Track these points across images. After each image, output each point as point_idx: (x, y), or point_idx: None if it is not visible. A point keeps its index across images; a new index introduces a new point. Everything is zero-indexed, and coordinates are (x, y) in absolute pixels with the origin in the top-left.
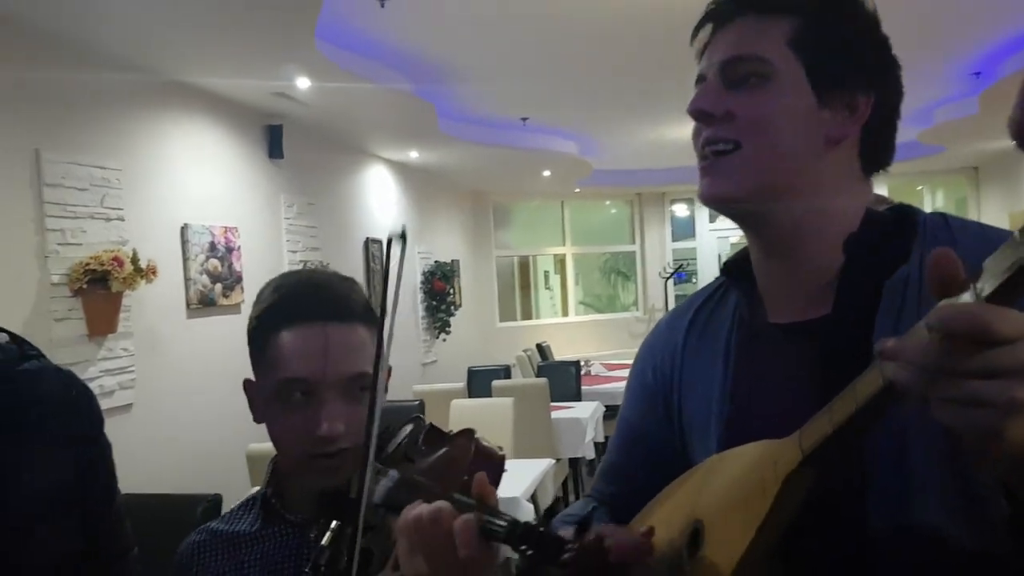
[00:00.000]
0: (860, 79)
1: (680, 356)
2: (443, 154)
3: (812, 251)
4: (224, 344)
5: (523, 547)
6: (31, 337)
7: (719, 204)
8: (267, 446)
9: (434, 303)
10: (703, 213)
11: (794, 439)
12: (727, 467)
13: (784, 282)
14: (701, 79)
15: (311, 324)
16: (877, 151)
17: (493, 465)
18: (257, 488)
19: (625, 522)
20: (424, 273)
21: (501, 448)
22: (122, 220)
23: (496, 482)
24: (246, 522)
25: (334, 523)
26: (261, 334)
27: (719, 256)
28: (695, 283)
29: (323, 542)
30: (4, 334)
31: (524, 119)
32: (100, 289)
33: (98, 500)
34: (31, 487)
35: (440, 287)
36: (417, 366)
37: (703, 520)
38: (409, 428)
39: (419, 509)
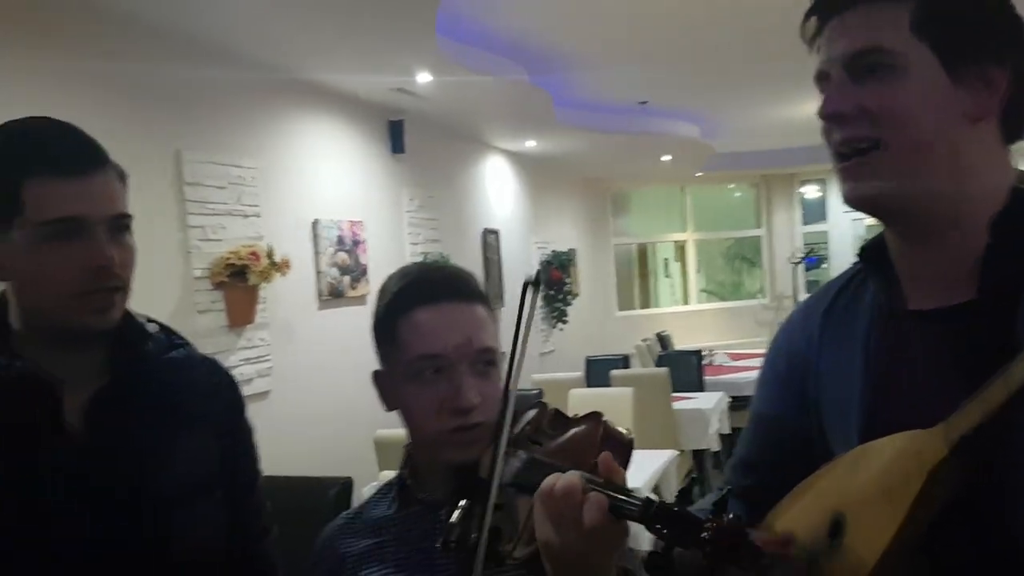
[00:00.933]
0: (991, 51)
1: (817, 344)
2: (560, 142)
3: (955, 235)
4: (352, 334)
5: (658, 525)
6: (177, 328)
7: (868, 207)
8: (394, 432)
9: (551, 292)
10: (835, 195)
11: (939, 430)
12: (870, 458)
13: (925, 267)
14: (823, 76)
15: (439, 303)
16: (1020, 124)
17: (621, 448)
18: (387, 472)
19: (760, 515)
20: (541, 263)
21: (629, 431)
22: (258, 216)
23: (625, 465)
24: (383, 506)
25: (463, 501)
26: (390, 320)
27: (853, 240)
28: (827, 268)
29: (452, 519)
30: (154, 324)
31: (643, 103)
32: (239, 282)
33: (241, 482)
34: (181, 469)
35: (557, 276)
36: (534, 355)
37: (845, 512)
38: (533, 413)
39: (552, 480)
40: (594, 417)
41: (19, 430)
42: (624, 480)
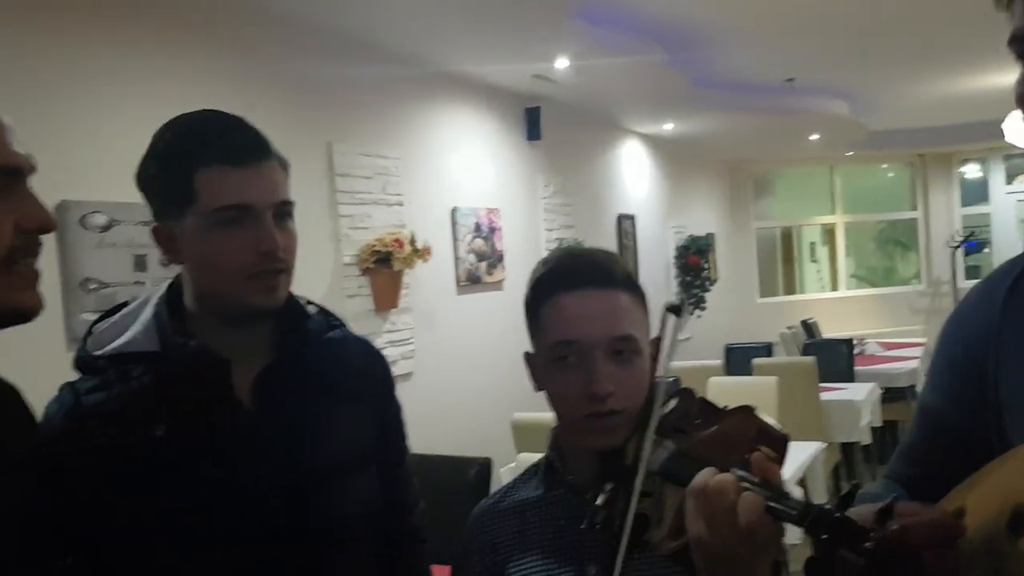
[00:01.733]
0: None
1: (997, 328)
2: (698, 123)
3: None
4: (488, 319)
5: (817, 531)
6: None
7: None
8: (532, 416)
9: (688, 278)
10: (998, 174)
11: None
12: None
13: None
14: (1018, 39)
15: (576, 290)
16: None
17: (776, 444)
18: (525, 454)
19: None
20: (678, 248)
21: (782, 427)
22: (401, 205)
23: (780, 462)
24: (530, 487)
25: (609, 485)
26: (535, 304)
27: (1017, 222)
28: (989, 253)
29: (598, 502)
30: (313, 306)
31: (789, 80)
32: (384, 268)
33: (392, 456)
34: (339, 443)
35: (694, 262)
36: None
37: None
38: (676, 401)
39: (705, 477)
40: (746, 410)
41: (193, 404)
42: (779, 479)
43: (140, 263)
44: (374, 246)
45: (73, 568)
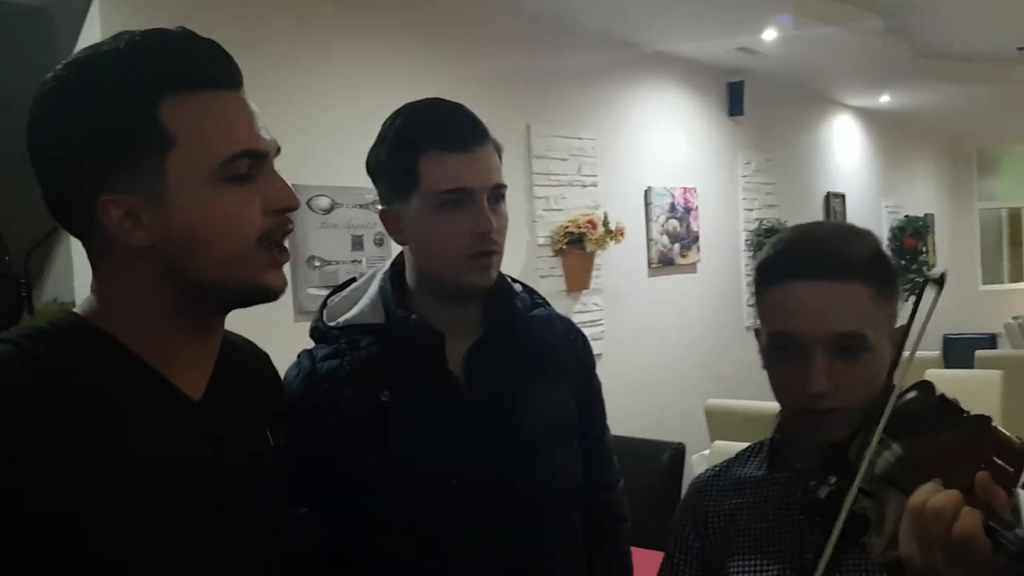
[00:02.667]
0: None
1: None
2: (918, 96)
3: None
4: (681, 302)
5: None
6: None
7: None
8: (726, 402)
9: (903, 262)
10: None
11: None
12: None
13: None
14: None
15: (801, 281)
16: None
17: (1013, 459)
18: (720, 442)
19: None
20: (892, 229)
21: (1022, 440)
22: (595, 186)
23: (1016, 479)
24: (753, 466)
25: (833, 478)
26: (760, 286)
27: None
28: None
29: (819, 494)
30: (519, 284)
31: (1021, 49)
32: (576, 250)
33: (593, 433)
34: (545, 417)
35: (911, 244)
36: None
37: None
38: (914, 394)
39: (926, 495)
40: (984, 420)
41: (412, 373)
42: (1005, 504)
43: (357, 243)
44: (567, 227)
45: (302, 519)
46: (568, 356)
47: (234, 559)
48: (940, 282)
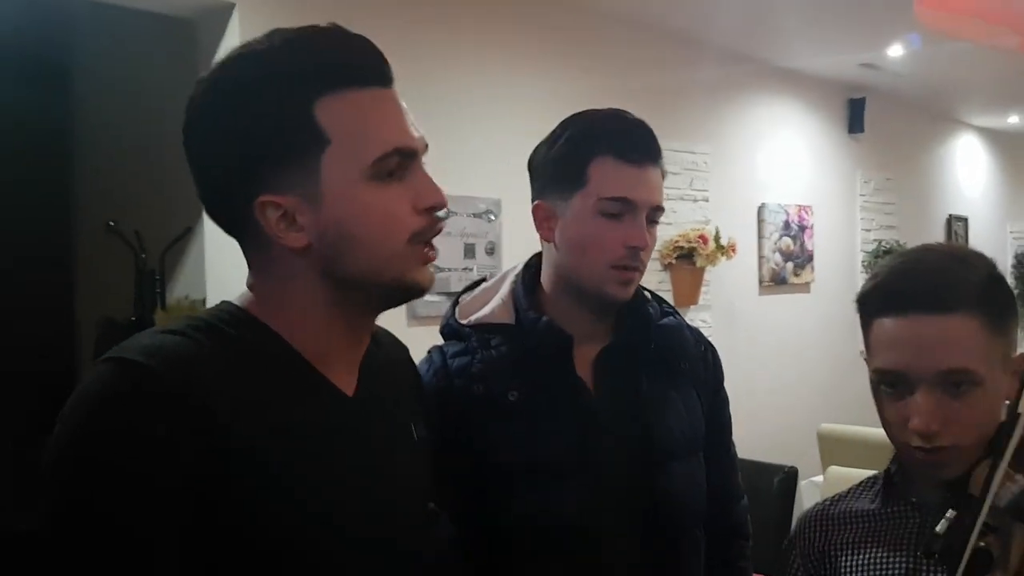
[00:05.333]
0: None
1: None
2: None
3: None
4: (794, 322)
5: None
6: None
7: None
8: (840, 427)
9: None
10: None
11: None
12: None
13: None
14: None
15: (904, 315)
16: None
17: None
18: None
19: None
20: (1017, 255)
21: None
22: (707, 201)
23: None
24: (866, 499)
25: (952, 513)
26: (863, 318)
27: None
28: None
29: (937, 530)
30: (648, 293)
31: None
32: (686, 264)
33: (720, 445)
34: (675, 424)
35: None
36: None
37: None
38: None
39: None
40: None
41: (541, 374)
42: None
43: (470, 251)
44: (677, 242)
45: (432, 514)
46: (698, 365)
47: (387, 550)
48: None
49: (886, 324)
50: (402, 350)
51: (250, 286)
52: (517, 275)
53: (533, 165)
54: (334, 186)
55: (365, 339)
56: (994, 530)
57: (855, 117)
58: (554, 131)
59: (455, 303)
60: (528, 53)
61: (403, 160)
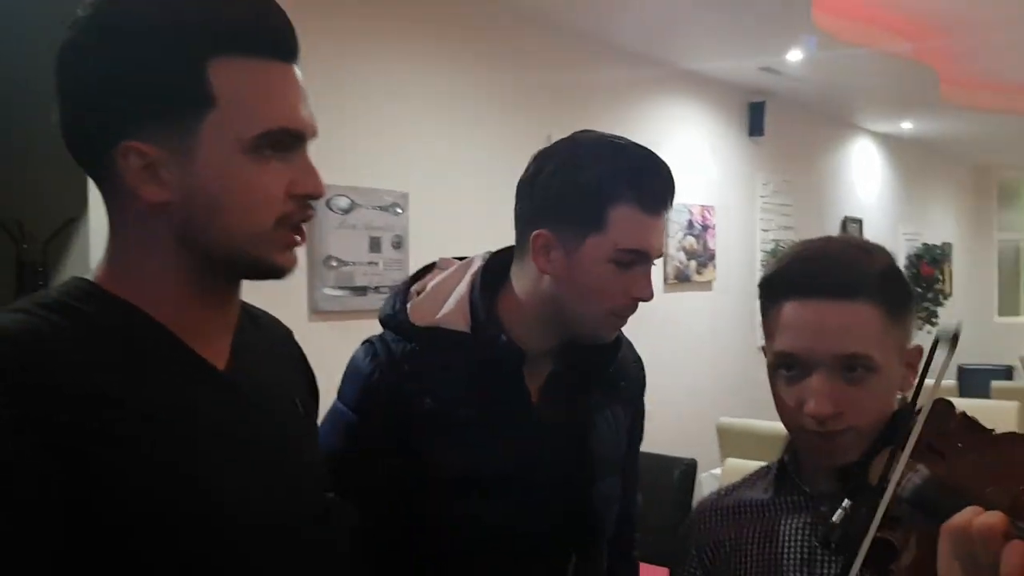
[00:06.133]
0: None
1: None
2: (943, 124)
3: None
4: (696, 319)
5: None
6: None
7: None
8: (738, 421)
9: (919, 289)
10: None
11: None
12: None
13: None
14: None
15: (805, 300)
16: None
17: None
18: (732, 460)
19: None
20: (909, 256)
21: None
22: None
23: None
24: (758, 489)
25: (848, 502)
26: (764, 304)
27: None
28: None
29: (834, 519)
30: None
31: None
32: None
33: (633, 453)
34: (608, 443)
35: (928, 272)
36: None
37: None
38: (936, 411)
39: (969, 516)
40: (1017, 437)
41: (488, 390)
42: None
43: (375, 244)
44: None
45: (334, 503)
46: (635, 388)
47: (272, 529)
48: (954, 340)
49: (788, 308)
50: (283, 329)
51: (108, 255)
52: (474, 276)
53: (536, 185)
54: (210, 151)
55: (231, 312)
56: (895, 520)
57: (755, 120)
58: (567, 155)
59: (405, 296)
60: (436, 49)
61: (288, 141)
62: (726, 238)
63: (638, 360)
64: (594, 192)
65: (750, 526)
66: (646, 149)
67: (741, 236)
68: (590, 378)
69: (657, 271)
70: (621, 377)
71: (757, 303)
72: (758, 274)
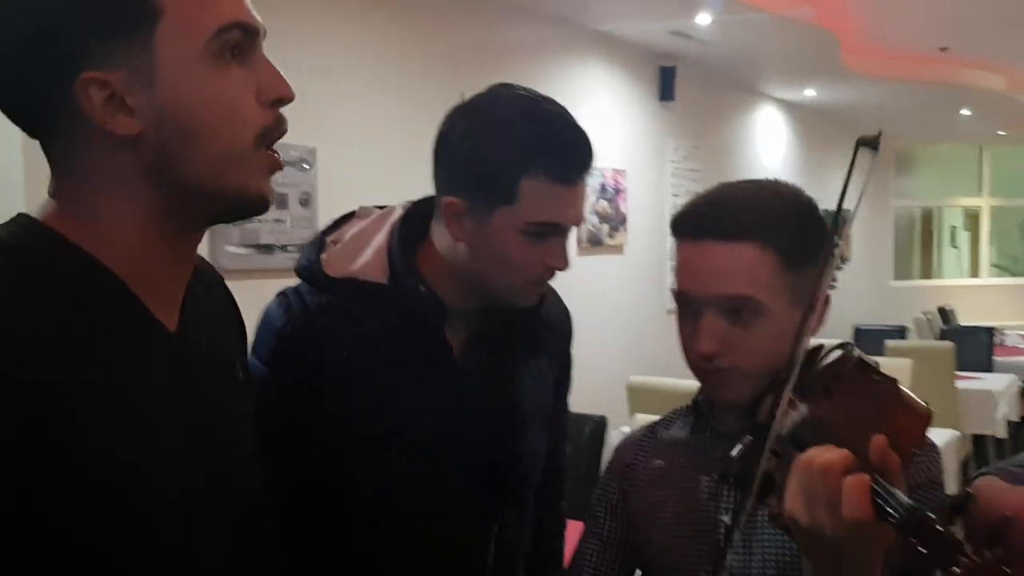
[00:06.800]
0: None
1: None
2: (843, 91)
3: None
4: (609, 282)
5: (915, 540)
6: None
7: None
8: (648, 379)
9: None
10: None
11: None
12: None
13: None
14: None
15: (696, 241)
16: None
17: (915, 422)
18: (641, 415)
19: None
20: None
21: (928, 405)
22: None
23: (918, 444)
24: (677, 427)
25: (748, 438)
26: (675, 244)
27: None
28: None
29: (732, 454)
30: None
31: (943, 49)
32: None
33: (561, 407)
34: (534, 397)
35: None
36: None
37: None
38: (837, 355)
39: (815, 452)
40: (889, 383)
41: (407, 343)
42: (898, 469)
43: (281, 201)
44: None
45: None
46: (561, 341)
47: (214, 495)
48: (873, 144)
49: (682, 248)
50: (216, 276)
51: (52, 194)
52: (394, 225)
53: (447, 152)
54: (170, 63)
55: (191, 259)
56: (778, 456)
57: (666, 85)
58: (478, 119)
59: (321, 246)
60: (347, 1)
61: (245, 39)
62: (637, 202)
63: (565, 311)
64: (504, 163)
65: (667, 461)
66: (563, 113)
67: (652, 201)
68: (514, 332)
69: (571, 235)
70: (548, 328)
71: (667, 267)
72: (668, 239)
